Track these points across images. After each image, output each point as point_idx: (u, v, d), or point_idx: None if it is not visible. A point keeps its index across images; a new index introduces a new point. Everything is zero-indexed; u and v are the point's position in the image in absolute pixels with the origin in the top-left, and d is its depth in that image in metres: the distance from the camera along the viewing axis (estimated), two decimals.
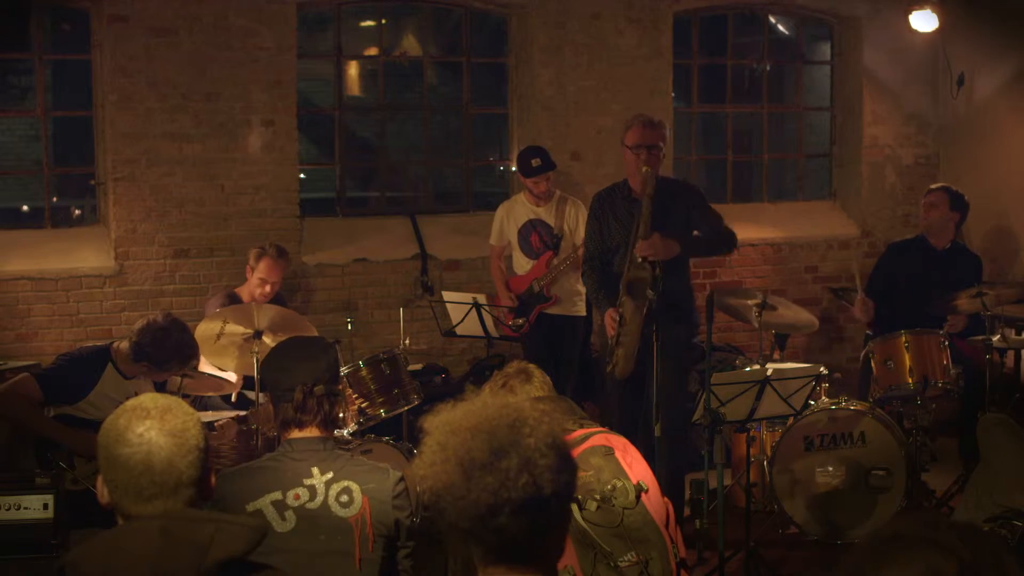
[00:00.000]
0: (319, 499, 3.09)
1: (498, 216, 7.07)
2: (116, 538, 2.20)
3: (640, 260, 5.26)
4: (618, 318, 5.38)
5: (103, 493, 2.29)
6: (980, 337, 6.09)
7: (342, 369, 5.59)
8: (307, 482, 3.10)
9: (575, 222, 6.81)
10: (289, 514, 3.06)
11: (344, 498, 3.09)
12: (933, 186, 6.95)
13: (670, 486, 5.17)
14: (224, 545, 2.12)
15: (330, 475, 3.11)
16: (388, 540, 3.12)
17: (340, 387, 3.30)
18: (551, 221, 6.84)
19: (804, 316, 6.07)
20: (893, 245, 7.08)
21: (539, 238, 6.86)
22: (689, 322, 5.70)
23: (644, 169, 5.42)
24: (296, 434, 3.19)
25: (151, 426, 2.24)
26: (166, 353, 4.88)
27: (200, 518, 2.19)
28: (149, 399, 2.34)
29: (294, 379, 3.18)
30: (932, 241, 6.74)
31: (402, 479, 3.19)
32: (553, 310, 6.79)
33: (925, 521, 1.55)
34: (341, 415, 5.49)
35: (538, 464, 1.81)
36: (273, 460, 3.18)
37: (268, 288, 6.36)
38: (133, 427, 2.24)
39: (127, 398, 4.97)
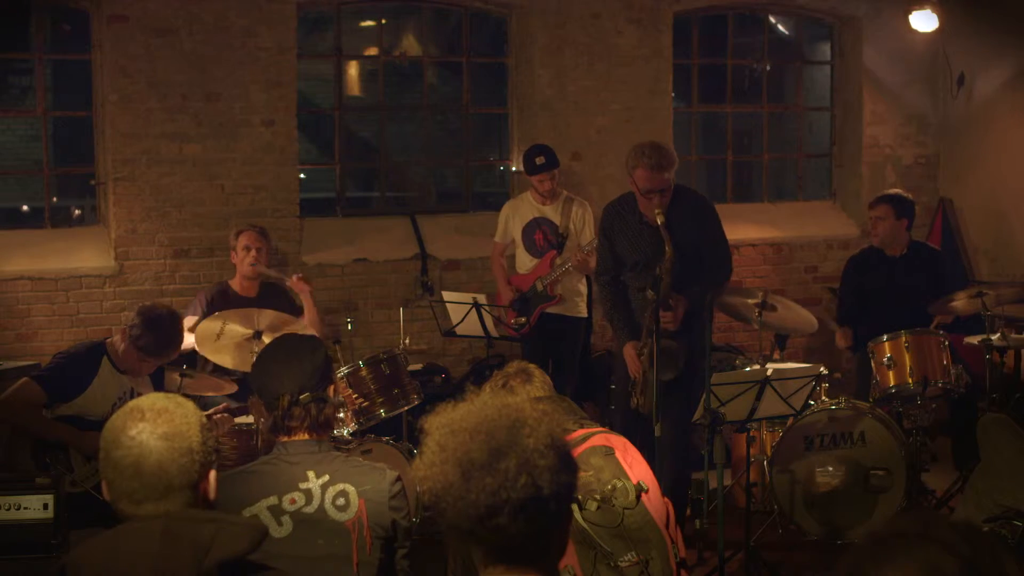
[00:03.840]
0: (315, 503, 3.05)
1: (503, 214, 7.07)
2: (117, 538, 2.21)
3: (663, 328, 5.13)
4: (640, 361, 5.29)
5: (106, 490, 2.31)
6: (979, 337, 6.09)
7: (342, 369, 5.59)
8: (303, 486, 3.06)
9: (581, 223, 6.81)
10: (285, 519, 3.02)
11: (340, 501, 3.05)
12: (875, 198, 6.82)
13: (675, 489, 5.16)
14: (225, 545, 2.12)
15: (326, 478, 3.07)
16: (385, 542, 3.08)
17: (332, 389, 3.22)
18: (557, 220, 6.84)
19: (804, 316, 6.06)
20: (852, 260, 6.98)
21: (544, 236, 6.86)
22: (700, 331, 5.59)
23: (659, 219, 5.21)
24: (287, 439, 3.15)
25: (143, 429, 2.25)
26: (147, 338, 4.89)
27: (201, 518, 2.19)
28: (149, 400, 2.34)
29: (280, 387, 3.13)
30: (887, 252, 6.66)
31: (398, 479, 3.15)
32: (554, 310, 6.78)
33: (924, 519, 1.55)
34: (341, 414, 5.48)
35: (537, 465, 1.81)
36: (268, 464, 3.13)
37: (254, 253, 6.37)
38: (127, 429, 2.26)
39: (123, 392, 5.00)
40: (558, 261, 6.74)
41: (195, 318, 6.05)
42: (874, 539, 1.54)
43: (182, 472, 2.24)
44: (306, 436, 3.14)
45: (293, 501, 3.04)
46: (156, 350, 4.97)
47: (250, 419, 5.29)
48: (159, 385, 5.24)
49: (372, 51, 8.61)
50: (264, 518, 3.02)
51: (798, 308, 6.07)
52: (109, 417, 5.07)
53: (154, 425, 2.25)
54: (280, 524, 3.02)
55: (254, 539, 2.17)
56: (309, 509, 3.04)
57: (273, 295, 6.46)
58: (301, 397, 3.12)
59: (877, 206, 6.69)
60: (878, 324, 6.19)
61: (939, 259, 6.84)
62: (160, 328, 4.92)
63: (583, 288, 6.88)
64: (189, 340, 5.44)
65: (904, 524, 1.55)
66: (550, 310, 6.78)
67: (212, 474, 2.35)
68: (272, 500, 3.04)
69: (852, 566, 1.53)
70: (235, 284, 6.47)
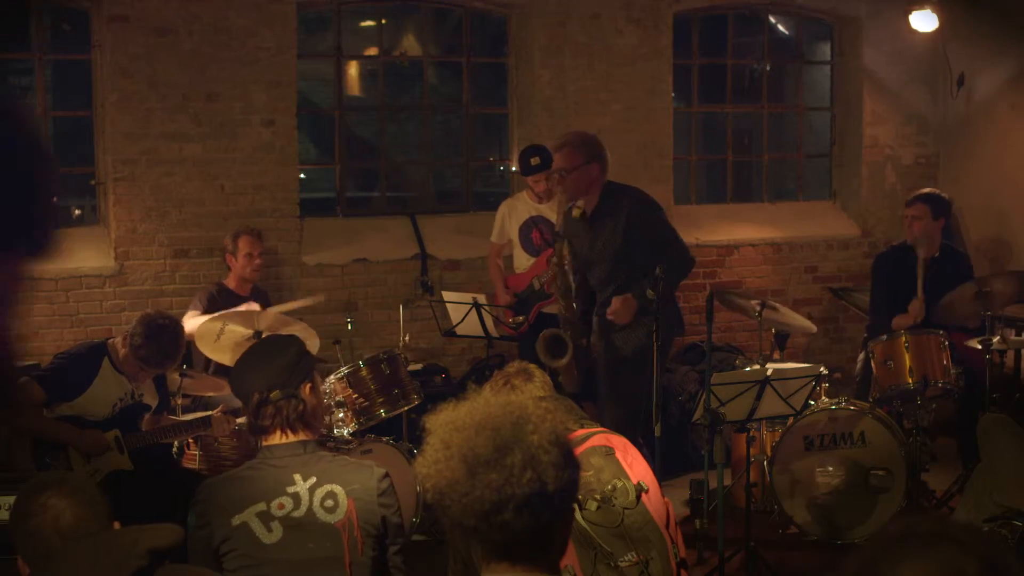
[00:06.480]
0: (304, 507, 3.03)
1: (500, 213, 7.06)
2: (55, 564, 2.38)
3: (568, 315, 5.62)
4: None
5: (23, 566, 2.46)
6: (979, 338, 6.07)
7: (342, 369, 5.58)
8: (290, 490, 3.05)
9: None
10: (275, 525, 3.01)
11: (329, 503, 3.04)
12: (912, 196, 6.67)
13: None
14: (151, 540, 2.33)
15: (313, 480, 3.06)
16: (377, 540, 3.08)
17: (308, 387, 3.16)
18: (553, 218, 6.82)
19: (801, 322, 6.02)
20: (880, 258, 6.88)
21: (540, 235, 6.84)
22: (638, 325, 5.50)
23: (577, 213, 5.61)
24: (268, 440, 3.14)
25: (51, 495, 2.45)
26: (147, 349, 4.89)
27: (122, 532, 2.42)
28: (40, 478, 2.60)
29: (248, 387, 3.14)
30: (920, 252, 6.42)
31: (387, 475, 3.14)
32: (551, 309, 6.76)
33: (935, 518, 1.55)
34: (341, 414, 5.47)
35: (542, 460, 1.81)
36: (253, 469, 3.12)
37: (257, 261, 6.54)
38: (36, 500, 2.45)
39: (125, 393, 4.99)
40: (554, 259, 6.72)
41: (196, 312, 6.10)
42: (887, 538, 1.53)
43: (97, 517, 2.45)
44: (285, 437, 3.12)
45: (281, 506, 3.03)
46: (156, 362, 4.97)
47: None
48: (160, 384, 5.24)
49: (372, 51, 8.60)
50: (253, 525, 3.01)
51: (794, 314, 6.00)
52: (110, 418, 5.09)
53: (58, 488, 2.46)
54: (270, 530, 3.01)
55: (175, 537, 2.40)
56: (298, 513, 3.03)
57: (262, 297, 6.52)
58: (271, 395, 3.10)
59: (913, 205, 6.54)
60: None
61: (966, 263, 6.72)
62: (161, 340, 4.91)
63: None
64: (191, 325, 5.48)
65: (917, 523, 1.54)
66: (547, 310, 6.75)
67: (116, 524, 2.52)
68: (260, 506, 3.02)
69: (864, 565, 1.52)
70: (231, 285, 6.53)
